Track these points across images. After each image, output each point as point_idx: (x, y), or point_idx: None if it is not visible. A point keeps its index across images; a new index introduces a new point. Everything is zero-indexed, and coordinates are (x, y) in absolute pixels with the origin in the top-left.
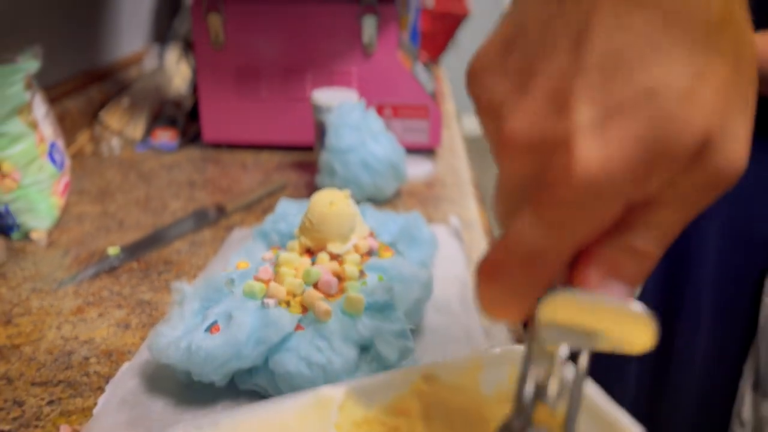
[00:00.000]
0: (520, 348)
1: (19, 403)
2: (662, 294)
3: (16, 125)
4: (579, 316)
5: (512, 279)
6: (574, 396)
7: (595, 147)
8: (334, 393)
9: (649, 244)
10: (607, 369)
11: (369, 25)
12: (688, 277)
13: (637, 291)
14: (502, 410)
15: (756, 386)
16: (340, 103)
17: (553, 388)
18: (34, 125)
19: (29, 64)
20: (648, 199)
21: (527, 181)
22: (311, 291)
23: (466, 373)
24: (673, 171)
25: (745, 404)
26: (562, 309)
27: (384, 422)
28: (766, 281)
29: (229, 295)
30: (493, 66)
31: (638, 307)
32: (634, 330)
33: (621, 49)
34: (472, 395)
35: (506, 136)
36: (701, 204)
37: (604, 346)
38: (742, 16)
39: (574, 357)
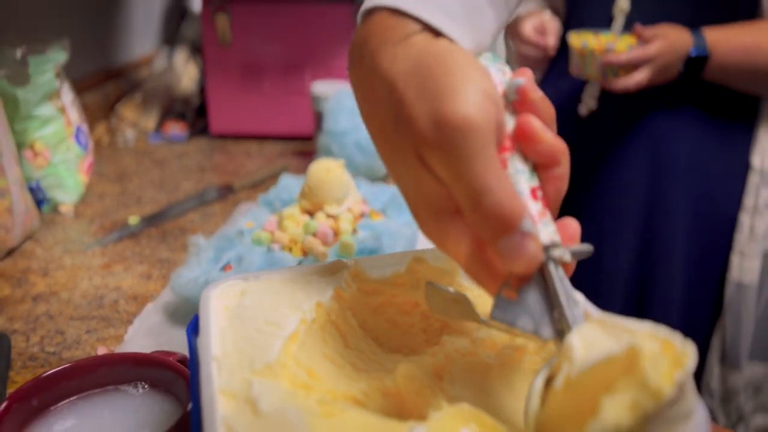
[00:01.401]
0: None
1: (61, 332)
2: (634, 270)
3: (48, 109)
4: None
5: None
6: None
7: None
8: (348, 262)
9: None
10: None
11: None
12: (659, 255)
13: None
14: (479, 292)
15: (723, 359)
16: (335, 92)
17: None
18: (62, 110)
19: (59, 55)
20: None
21: None
22: (310, 238)
23: (447, 259)
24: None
25: (714, 376)
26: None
27: (383, 290)
28: (731, 258)
29: (240, 243)
30: None
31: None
32: None
33: None
34: (452, 275)
35: None
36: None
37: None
38: None
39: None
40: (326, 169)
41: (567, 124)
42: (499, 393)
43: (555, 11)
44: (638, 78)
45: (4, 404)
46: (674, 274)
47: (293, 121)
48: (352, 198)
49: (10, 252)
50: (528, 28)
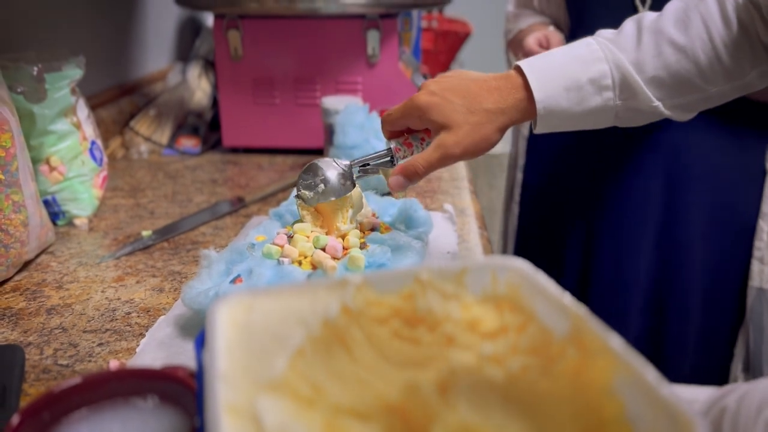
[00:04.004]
0: (501, 258)
1: (74, 345)
2: (654, 279)
3: (63, 125)
4: None
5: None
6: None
7: None
8: (354, 277)
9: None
10: None
11: (372, 38)
12: (678, 264)
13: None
14: (484, 309)
15: (747, 367)
16: (346, 106)
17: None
18: (77, 125)
19: (74, 71)
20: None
21: None
22: (320, 252)
23: (455, 275)
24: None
25: None
26: None
27: (390, 304)
28: (751, 265)
29: (250, 256)
30: None
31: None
32: None
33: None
34: (459, 292)
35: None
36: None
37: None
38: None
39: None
40: None
41: (581, 135)
42: (502, 410)
43: (559, 26)
44: None
45: (17, 420)
46: (692, 281)
47: (304, 135)
48: (363, 212)
49: (26, 265)
50: (531, 42)
